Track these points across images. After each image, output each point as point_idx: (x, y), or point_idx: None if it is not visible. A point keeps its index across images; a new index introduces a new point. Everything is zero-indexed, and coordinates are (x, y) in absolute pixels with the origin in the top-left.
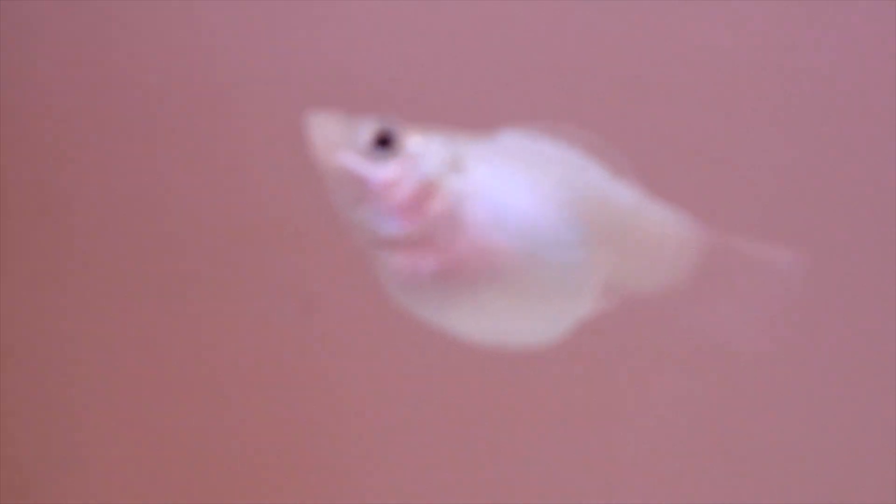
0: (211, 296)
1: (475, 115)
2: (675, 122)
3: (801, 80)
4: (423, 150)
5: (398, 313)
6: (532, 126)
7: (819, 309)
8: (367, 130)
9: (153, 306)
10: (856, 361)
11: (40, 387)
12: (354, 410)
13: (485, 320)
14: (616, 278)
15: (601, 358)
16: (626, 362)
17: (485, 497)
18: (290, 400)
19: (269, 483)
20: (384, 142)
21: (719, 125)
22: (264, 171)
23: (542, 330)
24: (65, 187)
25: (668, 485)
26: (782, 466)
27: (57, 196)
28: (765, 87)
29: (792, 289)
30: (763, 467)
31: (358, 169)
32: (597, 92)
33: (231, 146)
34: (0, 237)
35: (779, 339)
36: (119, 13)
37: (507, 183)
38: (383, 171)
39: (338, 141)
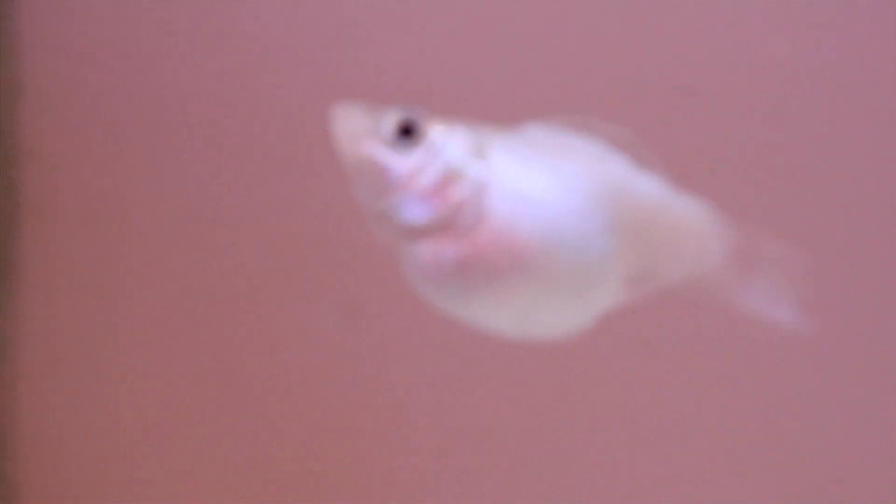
0: (254, 303)
1: (501, 109)
2: (702, 115)
3: (832, 75)
4: (446, 139)
5: (441, 320)
6: (557, 119)
7: (844, 305)
8: (390, 121)
9: (195, 315)
10: (878, 358)
11: (84, 396)
12: (398, 415)
13: (507, 310)
14: (640, 270)
15: (625, 349)
16: (650, 353)
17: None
18: (334, 406)
19: (310, 487)
20: (407, 132)
21: (744, 118)
22: (308, 179)
23: (566, 321)
24: (109, 197)
25: (693, 474)
26: (806, 459)
27: (100, 206)
28: (793, 81)
29: (818, 284)
30: (785, 460)
31: (381, 158)
32: (623, 85)
33: (273, 152)
34: (46, 245)
35: (803, 334)
36: (165, 20)
37: (530, 173)
38: (406, 161)
39: (361, 131)
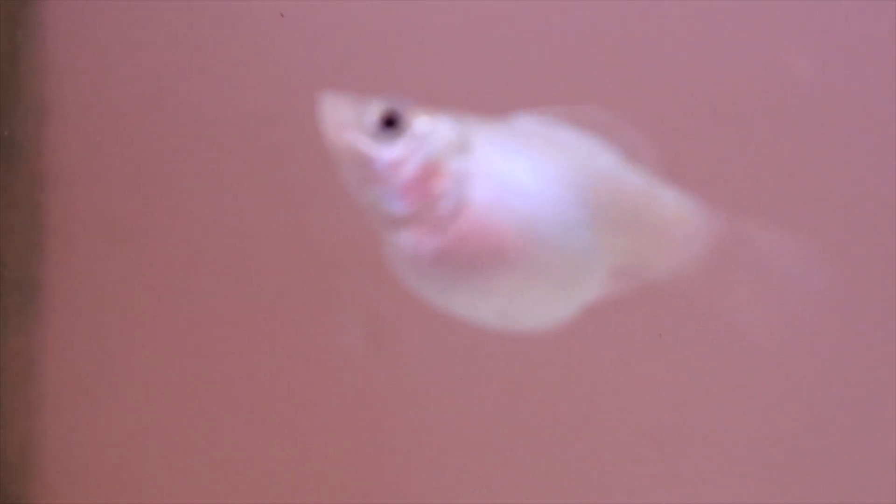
0: (277, 321)
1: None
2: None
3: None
4: (430, 131)
5: (464, 339)
6: (548, 109)
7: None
8: (373, 111)
9: (220, 335)
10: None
11: (108, 415)
12: (423, 435)
13: (489, 301)
14: (626, 262)
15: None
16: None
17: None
18: (359, 426)
19: (329, 497)
20: (391, 122)
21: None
22: (333, 198)
23: (549, 313)
24: (132, 219)
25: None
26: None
27: (123, 228)
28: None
29: (809, 277)
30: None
31: (364, 148)
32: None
33: (295, 171)
34: (71, 266)
35: (795, 328)
36: (189, 45)
37: (513, 165)
38: (389, 151)
39: (347, 121)
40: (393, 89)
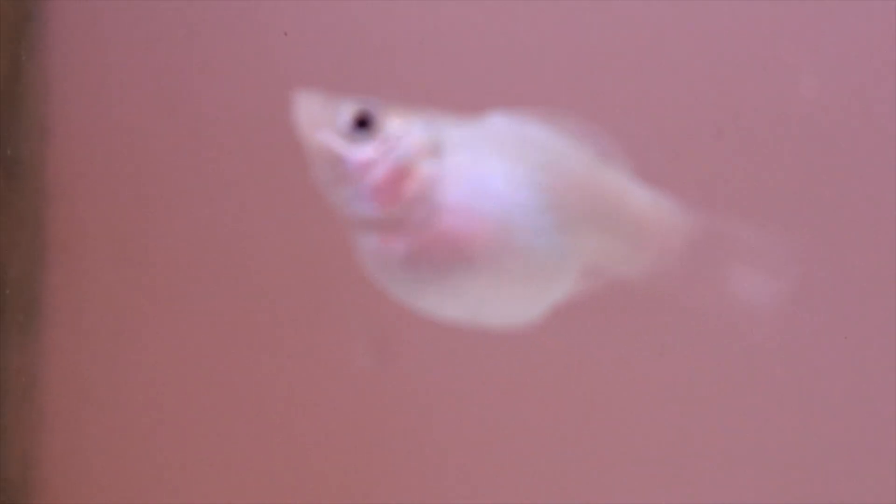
0: (282, 337)
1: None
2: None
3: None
4: (402, 132)
5: (468, 351)
6: (522, 110)
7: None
8: (346, 111)
9: (223, 352)
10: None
11: (110, 433)
12: (427, 446)
13: (459, 301)
14: (600, 262)
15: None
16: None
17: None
18: (362, 438)
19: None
20: (364, 123)
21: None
22: (334, 212)
23: (520, 312)
24: (133, 237)
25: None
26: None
27: (125, 246)
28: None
29: (785, 275)
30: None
31: (337, 148)
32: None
33: (299, 184)
34: (72, 284)
35: (771, 325)
36: (190, 64)
37: (485, 167)
38: (360, 152)
39: (320, 120)
40: (372, 89)
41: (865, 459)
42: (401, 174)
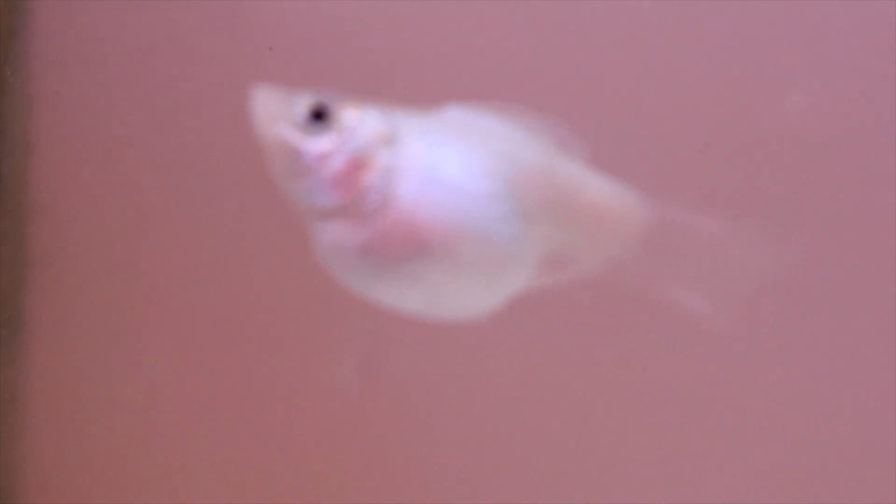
0: (270, 352)
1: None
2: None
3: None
4: (358, 124)
5: (457, 366)
6: (478, 102)
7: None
8: (302, 104)
9: (207, 368)
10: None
11: (91, 448)
12: (415, 462)
13: (416, 292)
14: (557, 252)
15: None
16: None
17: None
18: (351, 454)
19: None
20: (320, 115)
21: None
22: None
23: (476, 303)
24: (116, 253)
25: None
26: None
27: (107, 262)
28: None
29: (743, 262)
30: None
31: (293, 141)
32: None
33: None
34: (54, 298)
35: (731, 312)
36: (174, 80)
37: (441, 158)
38: (317, 144)
39: (276, 114)
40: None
41: (846, 458)
42: (357, 165)
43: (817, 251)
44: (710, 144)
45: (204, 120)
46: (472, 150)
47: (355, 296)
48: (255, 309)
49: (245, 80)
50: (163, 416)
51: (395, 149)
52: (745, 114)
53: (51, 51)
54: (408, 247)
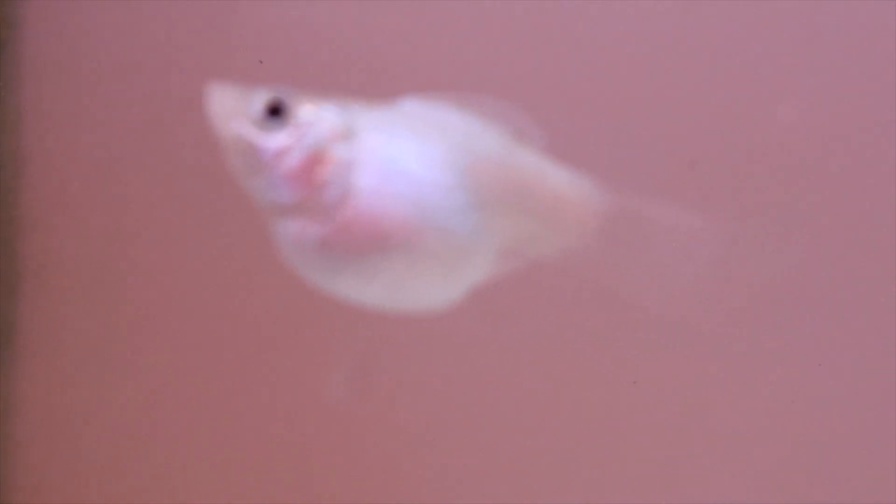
0: (260, 368)
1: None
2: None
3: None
4: (314, 119)
5: (447, 381)
6: (434, 94)
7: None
8: (259, 100)
9: (197, 380)
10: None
11: (83, 461)
12: (406, 477)
13: (376, 285)
14: (516, 242)
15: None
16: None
17: None
18: (342, 468)
19: None
20: (276, 111)
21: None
22: None
23: (437, 294)
24: (107, 266)
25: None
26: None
27: (98, 275)
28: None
29: (701, 251)
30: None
31: (250, 137)
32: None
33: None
34: (46, 311)
35: (687, 300)
36: (164, 94)
37: (398, 151)
38: (274, 140)
39: (233, 110)
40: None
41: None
42: (314, 160)
43: (809, 259)
44: (695, 162)
45: (195, 132)
46: (429, 142)
47: (345, 305)
48: (246, 320)
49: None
50: (153, 427)
51: (353, 143)
52: (735, 125)
53: (41, 63)
54: (368, 241)
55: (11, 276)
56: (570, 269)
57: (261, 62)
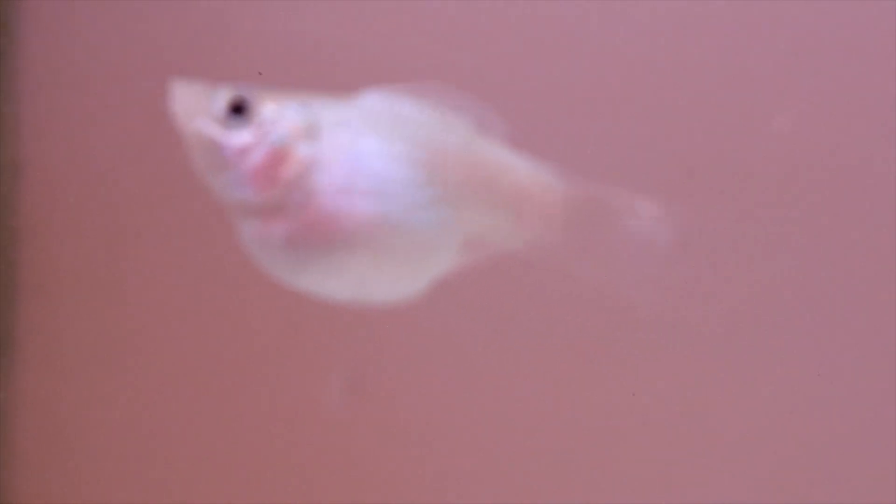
0: (258, 375)
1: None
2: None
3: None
4: (277, 116)
5: (445, 390)
6: (395, 86)
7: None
8: (221, 98)
9: (196, 390)
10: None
11: (83, 471)
12: (399, 483)
13: (341, 280)
14: (480, 234)
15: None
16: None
17: None
18: (340, 477)
19: None
20: (239, 109)
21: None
22: None
23: (402, 287)
24: (106, 276)
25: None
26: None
27: (97, 285)
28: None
29: (662, 238)
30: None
31: (213, 135)
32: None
33: None
34: (44, 321)
35: (652, 288)
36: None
37: (361, 147)
38: (237, 138)
39: (196, 109)
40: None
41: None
42: (278, 158)
43: (806, 266)
44: (693, 171)
45: None
46: (391, 137)
47: (343, 310)
48: (244, 327)
49: None
50: (152, 433)
51: (316, 140)
52: (731, 134)
53: (39, 72)
54: (332, 237)
55: (9, 284)
56: (536, 259)
57: (260, 74)
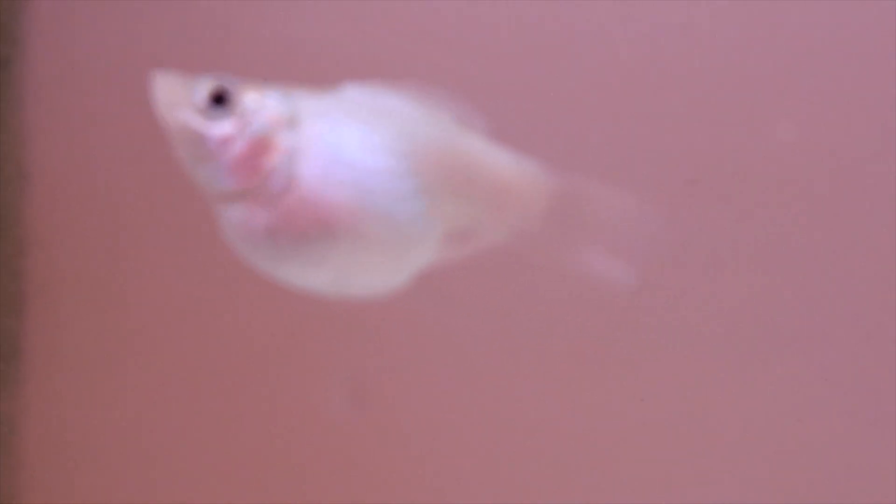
0: (261, 382)
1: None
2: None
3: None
4: (258, 106)
5: (447, 397)
6: (377, 80)
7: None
8: (203, 88)
9: (201, 400)
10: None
11: (89, 480)
12: (402, 491)
13: (322, 271)
14: (462, 227)
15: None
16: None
17: None
18: (342, 484)
19: None
20: (220, 99)
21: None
22: None
23: (383, 280)
24: (111, 284)
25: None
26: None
27: (102, 293)
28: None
29: (643, 228)
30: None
31: (195, 125)
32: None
33: None
34: (50, 330)
35: (635, 276)
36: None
37: (342, 138)
38: (218, 128)
39: (178, 99)
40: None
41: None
42: (259, 148)
43: (808, 272)
44: (695, 180)
45: None
46: (373, 128)
47: (345, 314)
48: (249, 334)
49: None
50: (157, 440)
51: (297, 130)
52: (735, 142)
53: (44, 81)
54: (313, 227)
55: (15, 293)
56: (518, 250)
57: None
